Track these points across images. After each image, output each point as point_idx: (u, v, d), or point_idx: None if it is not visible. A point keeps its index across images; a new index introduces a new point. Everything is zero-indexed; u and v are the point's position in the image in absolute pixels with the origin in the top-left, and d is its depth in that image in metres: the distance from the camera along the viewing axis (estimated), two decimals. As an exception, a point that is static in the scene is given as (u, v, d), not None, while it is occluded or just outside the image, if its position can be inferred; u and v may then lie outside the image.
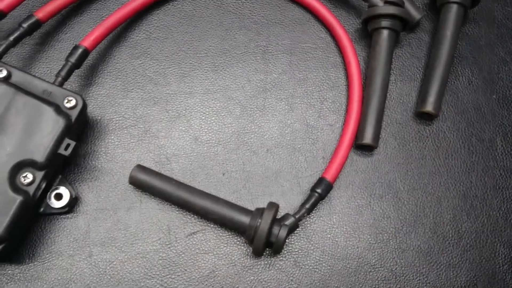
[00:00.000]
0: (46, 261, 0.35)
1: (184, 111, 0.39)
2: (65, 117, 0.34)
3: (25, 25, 0.37)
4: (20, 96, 0.34)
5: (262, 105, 0.40)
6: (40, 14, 0.38)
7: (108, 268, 0.35)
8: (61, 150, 0.34)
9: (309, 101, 0.40)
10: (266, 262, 0.36)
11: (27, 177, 0.33)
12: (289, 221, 0.35)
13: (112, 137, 0.38)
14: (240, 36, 0.41)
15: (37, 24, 0.38)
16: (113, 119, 0.39)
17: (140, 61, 0.40)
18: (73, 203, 0.36)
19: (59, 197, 0.35)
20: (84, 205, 0.37)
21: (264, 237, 0.33)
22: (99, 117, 0.38)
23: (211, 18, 0.42)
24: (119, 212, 0.37)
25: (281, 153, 0.39)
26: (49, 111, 0.34)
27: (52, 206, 0.35)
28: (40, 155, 0.33)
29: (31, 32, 0.38)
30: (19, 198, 0.32)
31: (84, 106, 0.35)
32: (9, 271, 0.35)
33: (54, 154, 0.34)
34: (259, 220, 0.34)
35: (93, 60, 0.40)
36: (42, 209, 0.35)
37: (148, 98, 0.39)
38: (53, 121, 0.34)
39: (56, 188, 0.35)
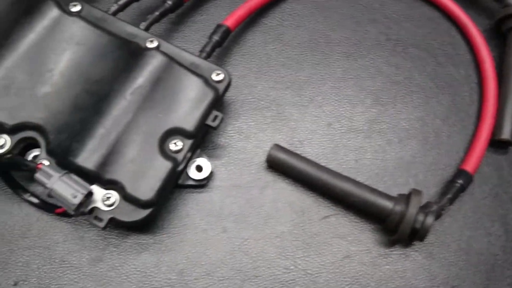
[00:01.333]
0: (180, 233, 0.35)
1: (316, 97, 0.39)
2: (213, 90, 0.35)
3: (169, 1, 0.38)
4: (173, 66, 0.34)
5: (393, 96, 0.40)
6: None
7: (242, 245, 0.35)
8: (209, 121, 0.34)
9: (440, 95, 0.40)
10: (400, 252, 0.35)
11: (176, 144, 0.33)
12: (433, 209, 0.34)
13: (246, 117, 0.38)
14: (371, 29, 0.42)
15: (180, 2, 0.39)
16: (247, 100, 0.39)
17: (273, 46, 0.41)
18: (209, 177, 0.36)
19: (199, 169, 0.35)
20: (218, 181, 0.36)
21: (411, 223, 0.32)
22: (233, 97, 0.39)
23: (342, 10, 0.42)
24: (252, 191, 0.36)
25: (414, 145, 0.38)
26: (199, 82, 0.34)
27: (192, 177, 0.35)
28: (189, 124, 0.33)
29: (174, 10, 0.39)
30: (169, 164, 0.32)
31: (230, 80, 0.35)
32: (143, 241, 0.35)
33: (202, 125, 0.34)
34: (404, 206, 0.33)
35: (227, 42, 0.40)
36: (180, 181, 0.35)
37: (281, 82, 0.39)
38: (203, 92, 0.34)
39: (196, 161, 0.35)
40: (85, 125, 0.32)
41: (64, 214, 0.35)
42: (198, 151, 0.36)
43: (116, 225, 0.33)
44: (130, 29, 0.36)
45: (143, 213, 0.32)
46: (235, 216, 0.36)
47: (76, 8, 0.36)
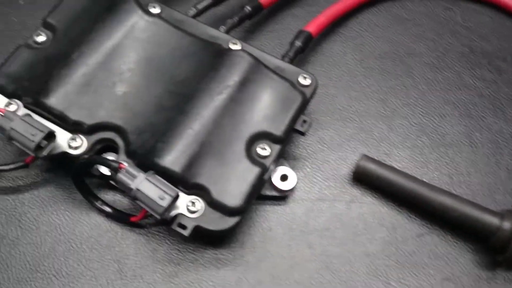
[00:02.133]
0: (262, 249, 0.32)
1: (401, 108, 0.37)
2: (301, 94, 0.32)
3: (248, 7, 0.37)
4: (260, 67, 0.32)
5: (483, 109, 0.37)
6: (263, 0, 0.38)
7: (329, 263, 0.32)
8: (298, 126, 0.32)
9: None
10: (508, 274, 0.32)
11: (264, 149, 0.31)
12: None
13: (328, 127, 0.36)
14: (453, 41, 0.40)
15: (259, 9, 0.37)
16: (328, 110, 0.37)
17: (353, 56, 0.39)
18: (293, 188, 0.33)
19: (284, 178, 0.32)
20: (300, 193, 0.34)
21: (523, 242, 0.29)
22: (314, 107, 0.36)
23: (422, 22, 0.40)
24: (338, 205, 0.33)
25: (509, 160, 0.35)
26: (287, 85, 0.32)
27: (278, 187, 0.32)
28: (278, 128, 0.31)
29: (253, 16, 0.37)
30: (257, 169, 0.30)
31: (317, 85, 0.33)
32: (222, 256, 0.32)
33: (290, 129, 0.32)
34: (513, 222, 0.30)
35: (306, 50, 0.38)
36: (263, 191, 0.32)
37: (363, 92, 0.37)
38: (291, 96, 0.32)
39: (280, 170, 0.33)
40: (170, 125, 0.30)
41: (137, 225, 0.32)
42: (281, 160, 0.33)
43: (199, 235, 0.30)
44: (211, 31, 0.34)
45: (231, 221, 0.29)
46: (321, 231, 0.33)
47: (156, 10, 0.35)
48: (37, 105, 0.31)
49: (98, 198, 0.32)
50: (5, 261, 0.31)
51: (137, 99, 0.31)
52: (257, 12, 0.37)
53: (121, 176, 0.28)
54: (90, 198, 0.32)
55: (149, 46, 0.33)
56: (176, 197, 0.28)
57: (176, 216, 0.29)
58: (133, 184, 0.27)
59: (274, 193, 0.32)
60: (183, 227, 0.29)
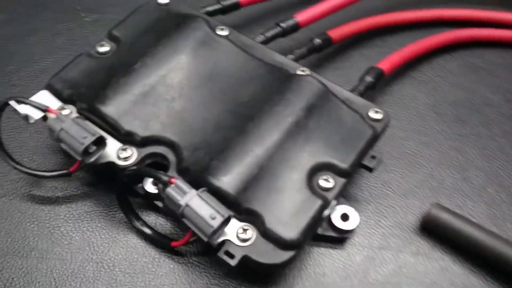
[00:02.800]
0: (314, 296, 0.28)
1: (476, 159, 0.34)
2: (371, 128, 0.30)
3: (318, 40, 0.35)
4: (329, 96, 0.30)
5: None
6: (333, 34, 0.36)
7: (391, 321, 0.27)
8: (366, 161, 0.29)
9: None
10: None
11: (328, 181, 0.28)
12: None
13: (394, 172, 0.33)
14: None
15: (328, 43, 0.36)
16: (395, 153, 0.34)
17: (425, 100, 0.36)
18: (353, 230, 0.29)
19: (344, 218, 0.29)
20: (360, 238, 0.30)
21: None
22: (380, 148, 0.33)
23: (499, 73, 0.38)
24: (402, 256, 0.29)
25: None
26: (356, 118, 0.30)
27: (338, 226, 0.29)
28: (344, 161, 0.28)
29: (321, 49, 0.36)
30: (318, 201, 0.27)
31: (389, 121, 0.31)
32: (268, 298, 0.28)
33: (357, 164, 0.29)
34: None
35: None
36: (320, 230, 0.29)
37: (435, 138, 0.34)
38: (360, 128, 0.29)
39: (339, 208, 0.29)
40: (228, 145, 0.28)
41: (177, 252, 0.29)
42: (341, 199, 0.30)
43: (245, 269, 0.26)
44: (279, 57, 0.33)
45: (284, 255, 0.26)
46: (383, 284, 0.28)
47: (224, 32, 0.33)
48: (91, 111, 0.29)
49: (139, 218, 0.29)
50: (30, 274, 0.28)
51: (195, 115, 0.29)
52: (326, 45, 0.36)
53: (170, 190, 0.25)
54: (130, 216, 0.29)
55: (213, 65, 0.31)
56: (228, 219, 0.25)
57: (223, 242, 0.26)
58: (182, 200, 0.25)
59: (332, 234, 0.29)
60: (231, 255, 0.25)
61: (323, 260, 0.29)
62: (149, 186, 0.29)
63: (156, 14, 0.34)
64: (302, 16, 0.36)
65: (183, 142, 0.28)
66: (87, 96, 0.30)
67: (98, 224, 0.30)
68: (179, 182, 0.25)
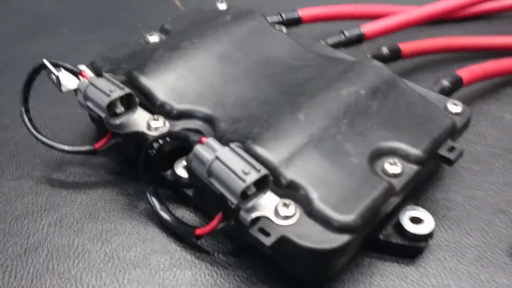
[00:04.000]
0: (374, 315, 0.21)
1: None
2: (449, 118, 0.25)
3: (386, 49, 0.32)
4: (397, 81, 0.26)
5: None
6: (404, 48, 0.32)
7: None
8: (443, 151, 0.23)
9: None
10: None
11: (396, 164, 0.22)
12: None
13: (479, 186, 0.26)
14: None
15: (397, 55, 0.32)
16: (477, 167, 0.27)
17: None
18: (427, 238, 0.23)
19: (416, 221, 0.23)
20: (436, 251, 0.23)
21: None
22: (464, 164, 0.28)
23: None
24: (498, 279, 0.22)
25: None
26: (432, 106, 0.25)
27: (407, 229, 0.22)
28: (415, 145, 0.23)
29: (389, 61, 0.32)
30: (383, 184, 0.21)
31: (470, 117, 0.25)
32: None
33: (432, 152, 0.23)
34: None
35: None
36: (383, 235, 0.23)
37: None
38: (436, 116, 0.25)
39: (412, 209, 0.23)
40: (275, 115, 0.24)
41: (201, 249, 0.24)
42: (411, 206, 0.24)
43: (282, 260, 0.20)
44: (340, 54, 0.29)
45: (337, 239, 0.19)
46: (468, 313, 0.21)
47: (283, 29, 0.31)
48: (129, 81, 0.26)
49: (161, 201, 0.24)
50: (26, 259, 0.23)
51: (238, 93, 0.26)
52: (394, 58, 0.32)
53: (199, 148, 0.21)
54: (153, 197, 0.24)
55: (265, 52, 0.28)
56: (265, 181, 0.20)
57: (257, 220, 0.20)
58: (210, 155, 0.20)
59: (400, 241, 0.22)
60: (266, 233, 0.20)
61: (386, 279, 0.22)
62: (180, 170, 0.25)
63: (213, 13, 0.32)
64: (369, 27, 0.33)
65: (221, 115, 0.24)
66: (126, 69, 0.27)
67: (116, 214, 0.26)
68: (211, 140, 0.21)
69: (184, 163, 0.25)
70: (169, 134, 0.23)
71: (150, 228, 0.25)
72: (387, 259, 0.23)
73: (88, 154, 0.26)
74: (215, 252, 0.24)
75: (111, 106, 0.24)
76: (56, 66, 0.26)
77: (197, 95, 0.26)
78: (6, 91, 0.33)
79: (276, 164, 0.21)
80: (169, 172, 0.25)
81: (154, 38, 0.30)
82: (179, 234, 0.24)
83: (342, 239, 0.19)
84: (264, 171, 0.19)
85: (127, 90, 0.24)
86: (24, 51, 0.38)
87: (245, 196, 0.19)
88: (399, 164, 0.22)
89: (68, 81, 0.27)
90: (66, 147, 0.26)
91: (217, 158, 0.20)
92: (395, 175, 0.22)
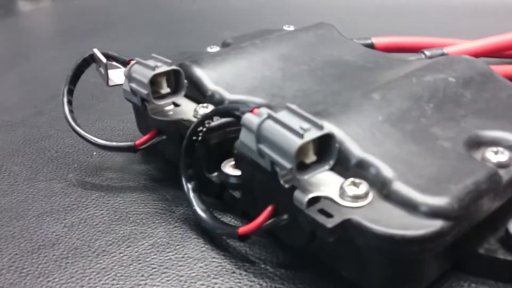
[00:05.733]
0: None
1: None
2: None
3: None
4: (495, 77, 0.21)
5: None
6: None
7: None
8: None
9: None
10: None
11: (502, 153, 0.17)
12: None
13: None
14: None
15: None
16: None
17: None
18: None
19: (532, 232, 0.17)
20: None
21: None
22: None
23: None
24: None
25: None
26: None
27: (523, 241, 0.16)
28: (525, 136, 0.18)
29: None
30: (487, 167, 0.16)
31: None
32: None
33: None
34: None
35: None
36: (483, 248, 0.17)
37: None
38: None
39: (523, 222, 0.17)
40: (342, 99, 0.20)
41: (245, 258, 0.19)
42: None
43: (352, 253, 0.15)
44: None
45: (428, 225, 0.14)
46: None
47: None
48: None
49: (200, 199, 0.20)
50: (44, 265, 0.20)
51: (301, 87, 0.22)
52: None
53: (248, 115, 0.17)
54: (191, 193, 0.20)
55: (331, 57, 0.25)
56: (329, 142, 0.15)
57: (316, 201, 0.15)
58: (258, 120, 0.16)
59: (510, 257, 0.17)
60: (327, 215, 0.15)
61: (491, 304, 0.16)
62: (228, 168, 0.21)
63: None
64: (452, 49, 0.30)
65: (279, 104, 0.21)
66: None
67: (149, 217, 0.22)
68: (264, 109, 0.17)
69: (232, 162, 0.21)
70: (215, 110, 0.20)
71: (186, 233, 0.20)
72: (489, 284, 0.17)
73: (127, 151, 0.23)
74: (261, 263, 0.19)
75: (156, 84, 0.21)
76: (107, 57, 0.25)
77: (252, 87, 0.23)
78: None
79: (343, 138, 0.17)
80: (215, 174, 0.22)
81: (213, 49, 0.29)
82: (219, 236, 0.19)
83: (434, 225, 0.14)
84: (328, 130, 0.15)
85: (174, 66, 0.21)
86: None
87: (302, 166, 0.15)
88: (506, 153, 0.17)
89: (117, 76, 0.25)
90: (103, 142, 0.23)
91: (269, 116, 0.16)
92: (501, 165, 0.17)
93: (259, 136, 0.16)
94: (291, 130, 0.15)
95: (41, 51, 0.47)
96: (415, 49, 0.33)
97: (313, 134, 0.15)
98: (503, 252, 0.17)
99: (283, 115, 0.16)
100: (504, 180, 0.16)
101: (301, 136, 0.15)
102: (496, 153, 0.17)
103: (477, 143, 0.18)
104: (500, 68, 0.29)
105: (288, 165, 0.15)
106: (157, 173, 0.25)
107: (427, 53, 0.29)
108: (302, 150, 0.15)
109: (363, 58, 0.25)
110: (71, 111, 0.24)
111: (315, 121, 0.15)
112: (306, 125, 0.15)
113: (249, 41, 0.26)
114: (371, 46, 0.32)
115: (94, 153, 0.27)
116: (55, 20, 0.62)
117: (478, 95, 0.20)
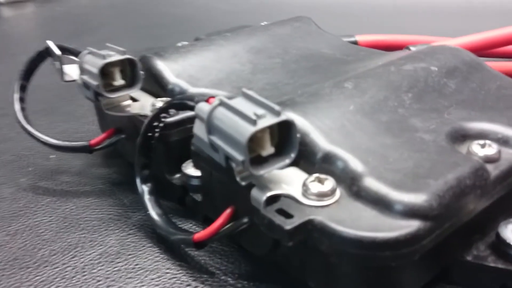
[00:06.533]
0: None
1: None
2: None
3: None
4: (484, 67, 0.19)
5: None
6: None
7: None
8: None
9: None
10: None
11: (489, 146, 0.15)
12: None
13: None
14: None
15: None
16: None
17: None
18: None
19: (527, 236, 0.15)
20: None
21: None
22: None
23: None
24: None
25: None
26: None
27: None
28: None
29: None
30: (471, 161, 0.14)
31: None
32: None
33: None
34: None
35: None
36: (471, 254, 0.15)
37: None
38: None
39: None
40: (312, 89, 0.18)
41: (201, 269, 0.17)
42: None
43: (320, 260, 0.13)
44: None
45: (402, 226, 0.12)
46: None
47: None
48: (142, 63, 0.22)
49: (154, 196, 0.18)
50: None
51: (270, 81, 0.21)
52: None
53: (201, 104, 0.15)
54: (148, 197, 0.18)
55: (306, 50, 0.24)
56: (290, 127, 0.13)
57: (276, 198, 0.13)
58: (212, 106, 0.14)
59: (501, 265, 0.14)
60: (287, 215, 0.13)
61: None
62: (190, 169, 0.19)
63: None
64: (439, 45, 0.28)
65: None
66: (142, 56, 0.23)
67: (102, 224, 0.19)
68: (219, 98, 0.15)
69: (190, 165, 0.19)
70: (170, 102, 0.17)
71: (140, 242, 0.18)
72: (481, 296, 0.15)
73: (82, 151, 0.21)
74: (221, 274, 0.16)
75: (109, 76, 0.19)
76: (62, 50, 0.22)
77: (218, 80, 0.21)
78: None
79: (309, 129, 0.15)
80: (176, 176, 0.20)
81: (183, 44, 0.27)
82: (176, 243, 0.17)
83: (410, 226, 0.12)
84: (286, 116, 0.13)
85: (127, 55, 0.19)
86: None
87: (259, 160, 0.13)
88: (494, 146, 0.15)
89: (73, 71, 0.22)
90: (55, 141, 0.21)
91: (221, 103, 0.14)
92: (488, 159, 0.15)
93: (210, 125, 0.14)
94: (244, 116, 0.13)
95: (18, 55, 0.45)
96: (400, 47, 0.31)
97: (268, 121, 0.13)
98: (493, 259, 0.15)
99: (236, 102, 0.14)
100: (492, 176, 0.14)
101: (253, 122, 0.13)
102: (483, 146, 0.15)
103: (462, 136, 0.16)
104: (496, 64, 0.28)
105: (240, 157, 0.13)
106: (117, 176, 0.23)
107: (413, 48, 0.28)
108: (256, 140, 0.13)
109: (341, 51, 0.23)
110: (22, 109, 0.22)
111: (271, 107, 0.13)
112: (260, 111, 0.13)
113: (220, 35, 0.24)
114: (354, 44, 0.30)
115: (51, 156, 0.25)
116: (37, 25, 0.60)
117: (464, 85, 0.18)
